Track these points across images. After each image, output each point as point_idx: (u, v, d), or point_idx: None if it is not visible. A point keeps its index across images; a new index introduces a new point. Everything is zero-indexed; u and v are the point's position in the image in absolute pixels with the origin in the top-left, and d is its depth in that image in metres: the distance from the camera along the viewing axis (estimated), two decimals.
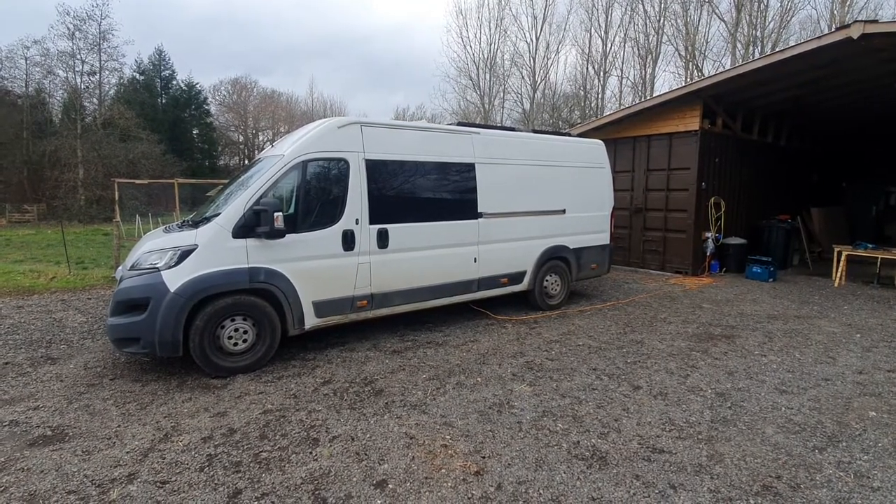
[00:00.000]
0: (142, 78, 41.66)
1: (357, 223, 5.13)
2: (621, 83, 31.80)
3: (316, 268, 4.90)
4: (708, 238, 10.20)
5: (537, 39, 32.58)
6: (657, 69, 30.44)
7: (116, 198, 17.07)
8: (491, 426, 3.54)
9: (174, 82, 44.70)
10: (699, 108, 9.74)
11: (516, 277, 6.70)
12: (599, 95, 32.57)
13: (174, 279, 4.25)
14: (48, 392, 4.14)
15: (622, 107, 18.55)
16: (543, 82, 33.31)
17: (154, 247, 4.54)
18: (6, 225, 24.88)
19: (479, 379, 4.45)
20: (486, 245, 6.25)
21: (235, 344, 4.54)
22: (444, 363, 4.87)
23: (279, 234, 4.53)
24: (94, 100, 33.97)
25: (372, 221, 5.23)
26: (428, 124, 6.32)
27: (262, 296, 4.65)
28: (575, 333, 5.98)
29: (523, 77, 33.55)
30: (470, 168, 6.11)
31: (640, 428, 3.54)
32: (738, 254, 10.59)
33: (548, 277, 7.13)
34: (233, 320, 4.53)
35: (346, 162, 5.11)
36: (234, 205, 4.58)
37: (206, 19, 67.61)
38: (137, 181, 20.26)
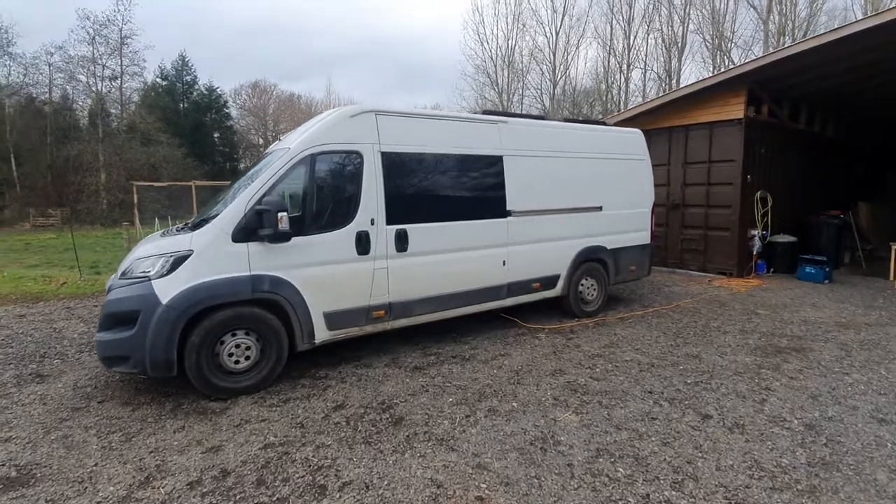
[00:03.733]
0: (164, 83, 42.01)
1: (372, 224, 4.56)
2: (645, 76, 30.79)
3: (327, 275, 4.34)
4: (754, 236, 9.34)
5: (557, 33, 31.80)
6: (683, 60, 29.32)
7: (135, 201, 16.97)
8: (535, 470, 2.90)
9: (196, 87, 45.03)
10: (744, 94, 8.90)
11: (549, 282, 6.05)
12: (622, 89, 31.61)
13: (166, 289, 3.73)
14: (27, 418, 3.67)
15: (646, 100, 17.65)
16: (563, 77, 32.46)
17: (146, 252, 4.04)
18: (29, 229, 25.19)
19: (514, 404, 3.82)
20: (516, 246, 5.61)
21: (237, 362, 4.01)
22: (472, 383, 4.26)
23: (284, 236, 3.99)
24: (117, 104, 34.31)
25: (389, 222, 4.65)
26: (450, 113, 5.72)
27: (266, 307, 4.10)
28: (619, 345, 5.30)
29: (543, 72, 32.76)
30: (497, 161, 5.49)
31: (721, 474, 2.86)
32: (786, 253, 9.71)
33: (583, 281, 6.44)
34: (234, 335, 3.99)
35: (360, 155, 4.54)
36: (234, 204, 4.05)
37: (239, 25, 68.21)
38: (156, 184, 20.28)
